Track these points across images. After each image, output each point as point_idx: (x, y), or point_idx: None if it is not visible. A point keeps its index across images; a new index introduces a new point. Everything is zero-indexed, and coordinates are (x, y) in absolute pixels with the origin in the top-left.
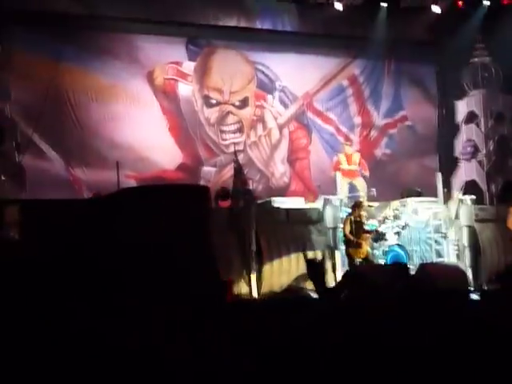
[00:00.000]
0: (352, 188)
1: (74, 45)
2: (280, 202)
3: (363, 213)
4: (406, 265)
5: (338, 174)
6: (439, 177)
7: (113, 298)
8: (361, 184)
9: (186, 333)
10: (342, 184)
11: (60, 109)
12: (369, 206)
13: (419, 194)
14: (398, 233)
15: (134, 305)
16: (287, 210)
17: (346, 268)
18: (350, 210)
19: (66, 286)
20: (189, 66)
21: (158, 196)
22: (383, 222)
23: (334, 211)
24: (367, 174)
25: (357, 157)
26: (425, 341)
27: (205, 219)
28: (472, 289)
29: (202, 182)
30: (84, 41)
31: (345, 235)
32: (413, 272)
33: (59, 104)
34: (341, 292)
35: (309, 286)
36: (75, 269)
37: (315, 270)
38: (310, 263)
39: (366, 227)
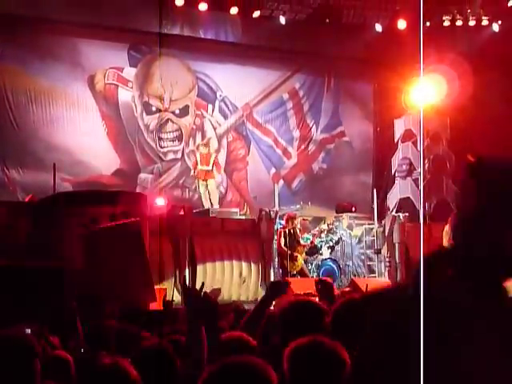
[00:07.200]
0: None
1: (16, 44)
2: (216, 212)
3: (297, 225)
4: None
5: (277, 186)
6: (374, 193)
7: None
8: (212, 184)
9: None
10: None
11: None
12: (304, 219)
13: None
14: (331, 247)
15: None
16: (222, 220)
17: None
18: (283, 222)
19: None
20: (130, 72)
21: None
22: (317, 235)
23: (270, 223)
24: (220, 175)
25: (212, 157)
26: None
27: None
28: None
29: (138, 189)
30: (26, 41)
31: (278, 247)
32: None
33: None
34: None
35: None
36: None
37: (328, 291)
38: (322, 282)
39: (301, 240)
